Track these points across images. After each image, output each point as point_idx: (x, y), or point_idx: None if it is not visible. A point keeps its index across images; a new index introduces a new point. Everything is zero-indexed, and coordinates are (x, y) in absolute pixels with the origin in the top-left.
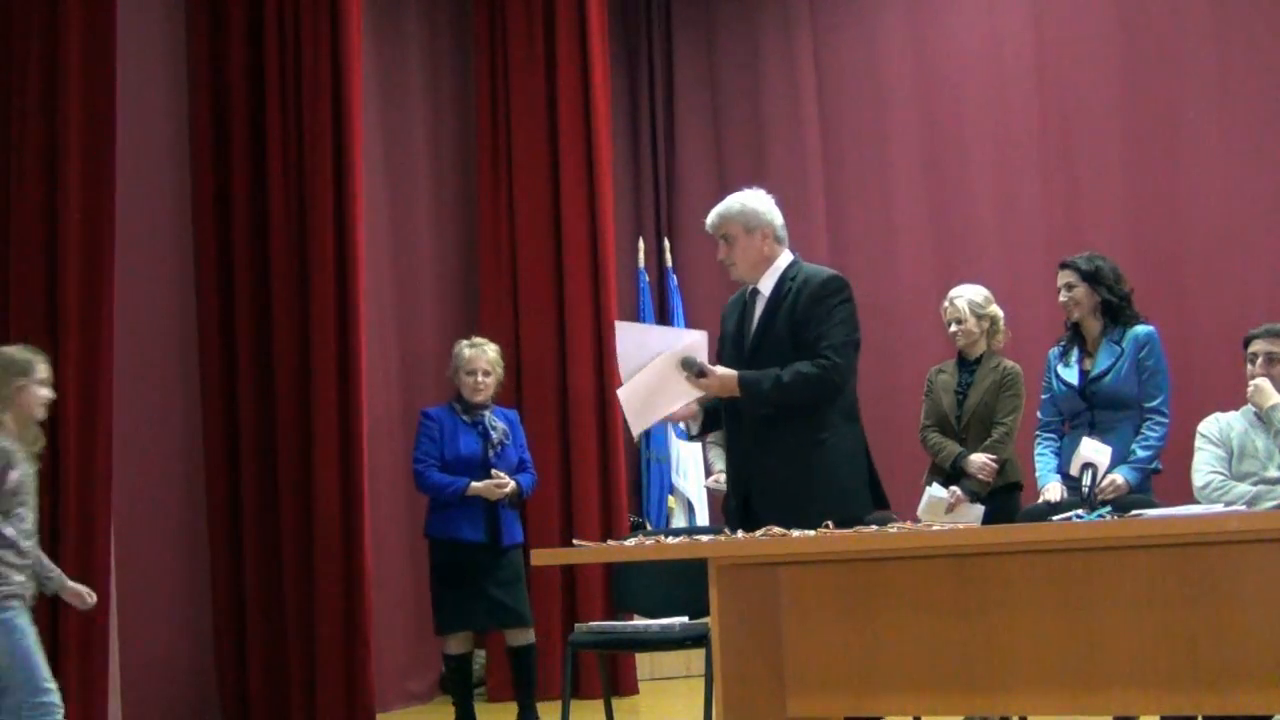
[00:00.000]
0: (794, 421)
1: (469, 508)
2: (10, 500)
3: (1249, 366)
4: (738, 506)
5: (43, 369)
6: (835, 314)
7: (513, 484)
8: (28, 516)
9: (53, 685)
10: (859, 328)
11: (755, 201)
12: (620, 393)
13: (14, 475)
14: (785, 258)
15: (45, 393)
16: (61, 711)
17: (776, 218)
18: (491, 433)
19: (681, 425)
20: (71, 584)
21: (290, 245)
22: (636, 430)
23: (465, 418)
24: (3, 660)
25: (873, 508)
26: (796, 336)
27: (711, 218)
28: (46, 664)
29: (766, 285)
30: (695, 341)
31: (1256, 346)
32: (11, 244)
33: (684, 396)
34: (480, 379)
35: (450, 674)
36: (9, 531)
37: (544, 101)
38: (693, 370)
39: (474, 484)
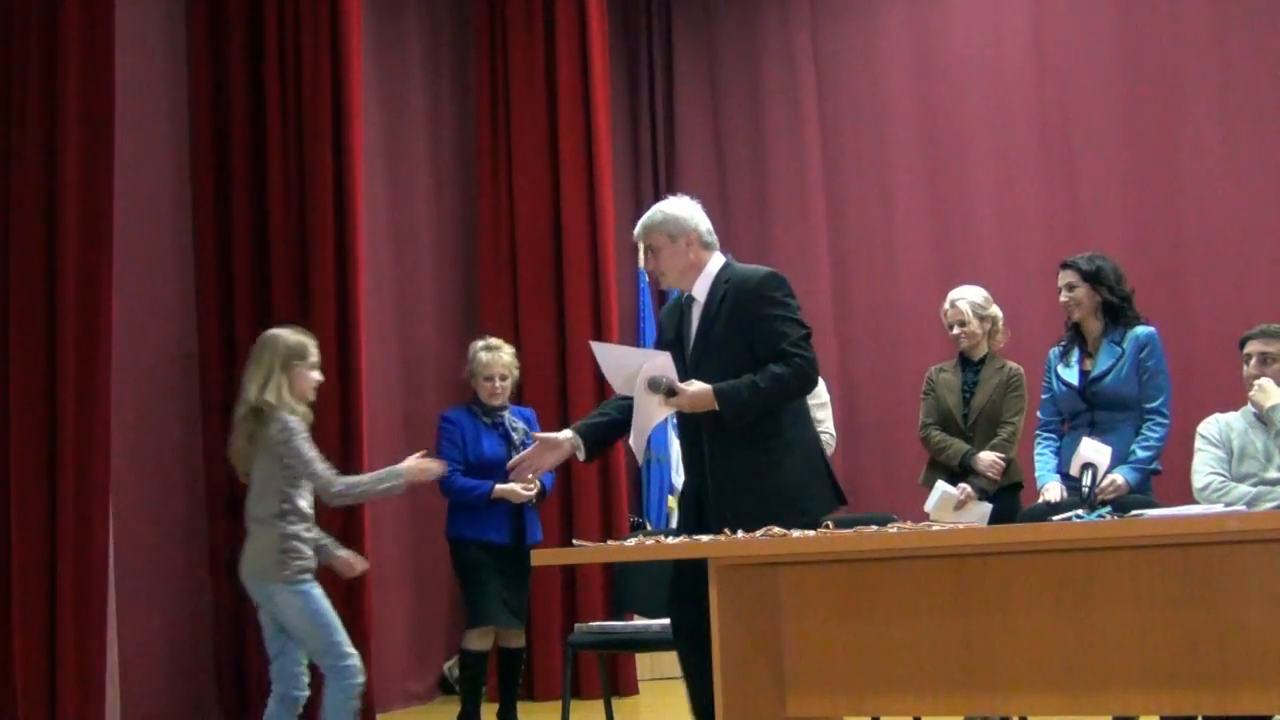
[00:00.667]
0: (748, 427)
1: (493, 509)
2: (298, 474)
3: (1244, 368)
4: (693, 510)
5: (315, 353)
6: (786, 310)
7: (538, 485)
8: (308, 491)
9: (353, 651)
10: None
11: (677, 208)
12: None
13: (304, 454)
14: (716, 261)
15: (317, 375)
16: (363, 677)
17: (702, 222)
18: (513, 433)
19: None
20: (340, 552)
21: (290, 244)
22: (639, 453)
23: (485, 419)
24: (304, 630)
25: (835, 504)
26: (743, 338)
27: (636, 230)
28: (344, 631)
29: (700, 290)
30: (664, 362)
31: (1251, 347)
32: (11, 244)
33: (658, 415)
34: (498, 384)
35: (467, 669)
36: (303, 504)
37: (544, 101)
38: (661, 390)
39: (499, 487)
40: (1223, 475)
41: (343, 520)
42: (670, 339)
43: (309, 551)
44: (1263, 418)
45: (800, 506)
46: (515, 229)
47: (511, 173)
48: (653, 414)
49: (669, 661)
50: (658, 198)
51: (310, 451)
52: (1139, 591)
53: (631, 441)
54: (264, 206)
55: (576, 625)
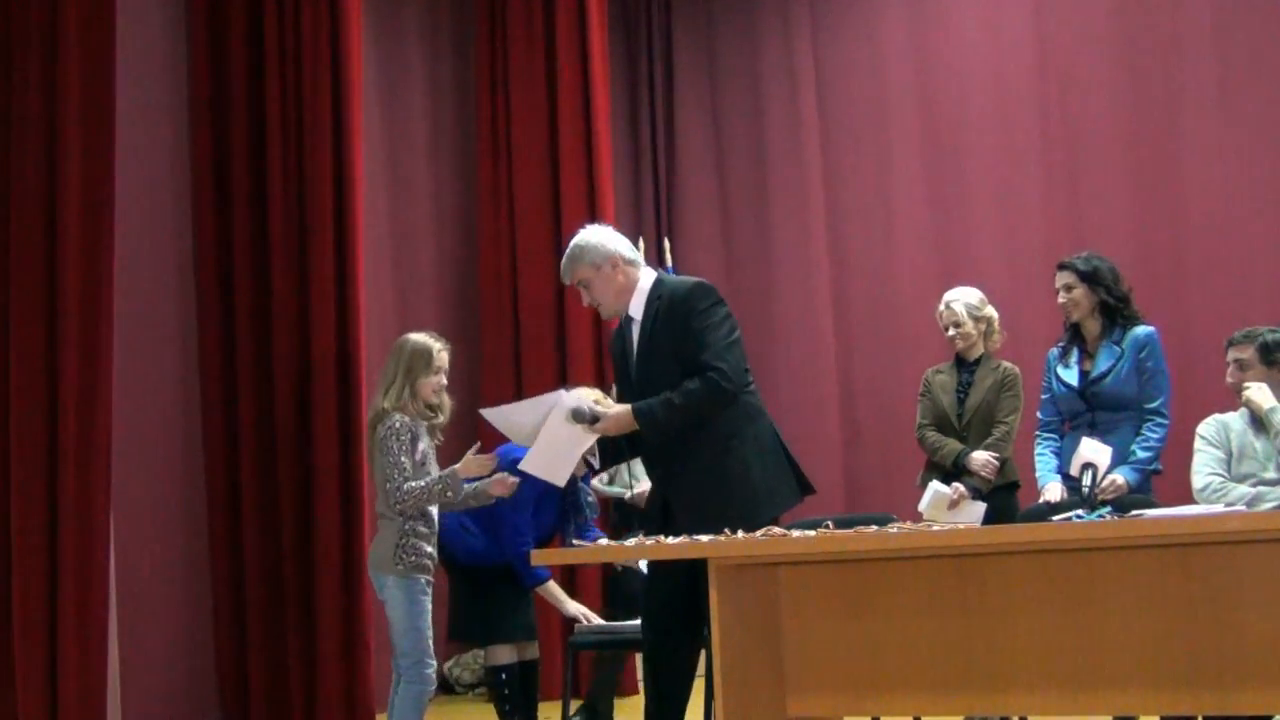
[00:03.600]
0: (698, 432)
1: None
2: (420, 470)
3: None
4: (657, 514)
5: (440, 358)
6: (708, 320)
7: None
8: None
9: (434, 660)
10: (736, 325)
11: (592, 237)
12: (523, 466)
13: (421, 446)
14: (647, 277)
15: (440, 379)
16: (434, 686)
17: (621, 244)
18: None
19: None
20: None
21: (290, 245)
22: (560, 482)
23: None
24: (400, 625)
25: (799, 497)
26: (678, 354)
27: (561, 271)
28: (431, 639)
29: (636, 310)
30: (578, 393)
31: (1230, 354)
32: (11, 244)
33: (584, 443)
34: None
35: (511, 682)
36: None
37: (544, 101)
38: (585, 420)
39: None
40: (1222, 476)
41: (341, 518)
42: (618, 363)
43: (428, 549)
44: (1261, 421)
45: (763, 510)
46: (515, 229)
47: (511, 172)
48: (579, 441)
49: None
50: (658, 197)
51: (399, 457)
52: (1139, 591)
53: (537, 471)
54: (264, 206)
55: (576, 626)
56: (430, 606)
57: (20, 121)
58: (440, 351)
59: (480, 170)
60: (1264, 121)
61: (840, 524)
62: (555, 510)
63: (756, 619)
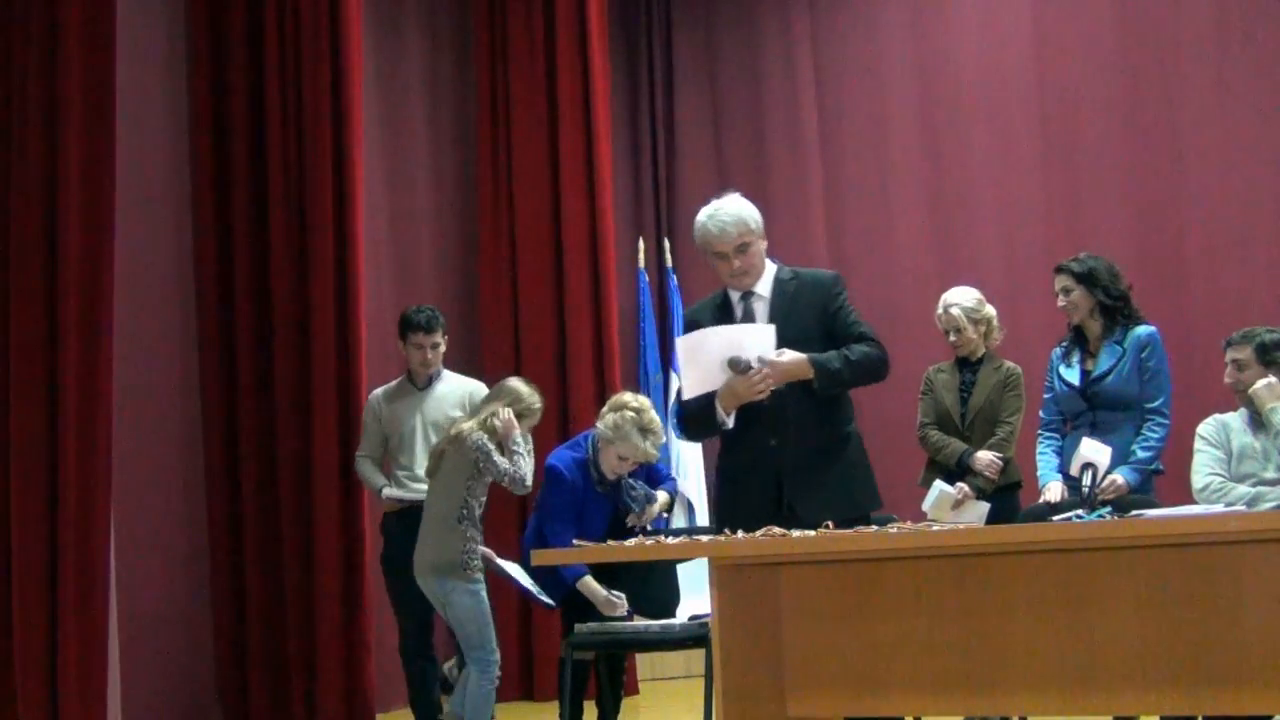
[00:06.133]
0: (822, 411)
1: None
2: (480, 485)
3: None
4: (767, 502)
5: (535, 411)
6: (852, 307)
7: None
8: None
9: (497, 651)
10: None
11: (752, 207)
12: (685, 394)
13: (500, 464)
14: (769, 259)
15: (526, 421)
16: (499, 676)
17: None
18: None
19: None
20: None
21: (290, 245)
22: (688, 392)
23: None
24: (469, 623)
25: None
26: (819, 330)
27: (728, 229)
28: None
29: (764, 287)
30: (763, 336)
31: (1228, 355)
32: (11, 245)
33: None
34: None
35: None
36: (478, 511)
37: (544, 101)
38: (740, 369)
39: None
40: (1222, 475)
41: (341, 520)
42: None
43: (479, 551)
44: (1262, 419)
45: (872, 504)
46: (515, 229)
47: (511, 173)
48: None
49: (669, 661)
50: (657, 197)
51: (497, 457)
52: (1139, 591)
53: (688, 383)
54: (264, 206)
55: (576, 626)
56: (488, 599)
57: (20, 121)
58: (538, 404)
59: (480, 170)
60: (1264, 121)
61: (840, 524)
62: (604, 514)
63: (756, 619)
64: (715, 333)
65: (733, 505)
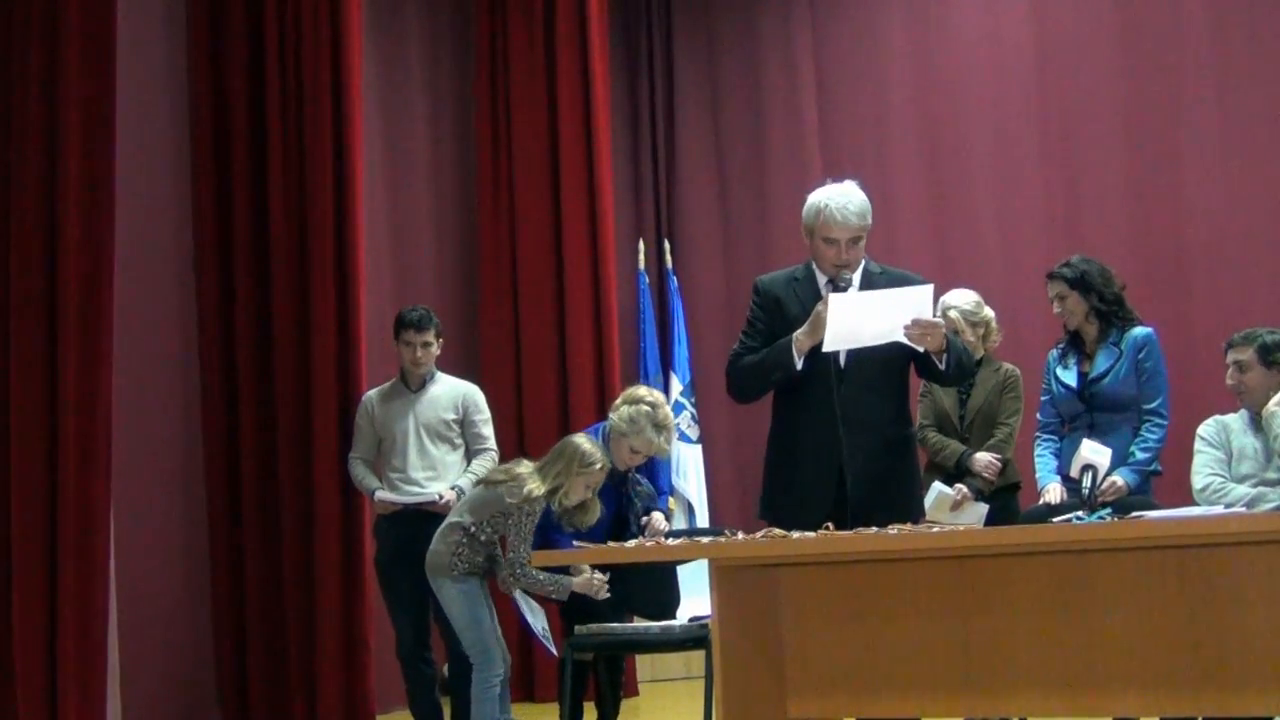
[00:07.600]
0: (888, 407)
1: None
2: (504, 524)
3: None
4: (825, 490)
5: (597, 473)
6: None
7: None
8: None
9: (497, 650)
10: None
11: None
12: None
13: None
14: None
15: (589, 483)
16: (507, 673)
17: None
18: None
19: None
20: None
21: (291, 245)
22: (829, 346)
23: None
24: (459, 620)
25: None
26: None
27: (851, 219)
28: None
29: (856, 280)
30: (921, 297)
31: (1229, 356)
32: (11, 245)
33: (890, 335)
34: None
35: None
36: (487, 538)
37: (544, 102)
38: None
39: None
40: (1222, 476)
41: (341, 520)
42: (795, 314)
43: (480, 559)
44: (1262, 422)
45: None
46: (515, 228)
47: (512, 172)
48: (884, 331)
49: (669, 663)
50: (657, 198)
51: (528, 535)
52: (1139, 593)
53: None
54: (264, 207)
55: (576, 627)
56: (491, 605)
57: (20, 120)
58: (601, 465)
59: (480, 170)
60: (1264, 121)
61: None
62: (608, 511)
63: (757, 620)
64: (870, 296)
65: (788, 489)
